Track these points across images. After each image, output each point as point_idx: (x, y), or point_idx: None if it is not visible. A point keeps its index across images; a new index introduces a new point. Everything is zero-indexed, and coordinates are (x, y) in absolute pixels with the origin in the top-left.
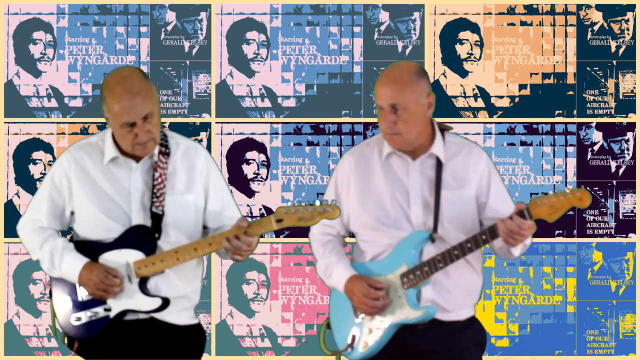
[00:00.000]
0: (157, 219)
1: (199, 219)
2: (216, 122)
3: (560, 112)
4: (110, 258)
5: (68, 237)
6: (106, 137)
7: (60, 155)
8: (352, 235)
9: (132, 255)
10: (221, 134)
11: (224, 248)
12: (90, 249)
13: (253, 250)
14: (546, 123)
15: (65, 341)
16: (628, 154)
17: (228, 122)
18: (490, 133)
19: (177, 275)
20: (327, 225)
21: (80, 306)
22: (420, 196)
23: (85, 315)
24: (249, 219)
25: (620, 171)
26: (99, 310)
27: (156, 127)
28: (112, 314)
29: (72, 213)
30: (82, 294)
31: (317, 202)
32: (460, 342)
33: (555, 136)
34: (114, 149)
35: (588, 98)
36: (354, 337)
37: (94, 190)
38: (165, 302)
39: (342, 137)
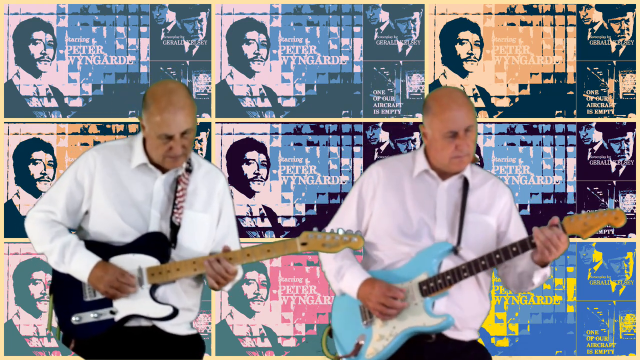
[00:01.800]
0: (174, 230)
1: (209, 239)
2: (216, 122)
3: (560, 112)
4: (121, 261)
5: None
6: (135, 142)
7: (85, 153)
8: None
9: (145, 261)
10: (221, 134)
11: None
12: (101, 249)
13: (231, 282)
14: (546, 123)
15: (61, 337)
16: (628, 154)
17: (228, 122)
18: (490, 133)
19: (182, 288)
20: (338, 229)
21: (83, 306)
22: (445, 215)
23: (87, 316)
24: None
25: (620, 171)
26: (104, 312)
27: (190, 144)
28: (117, 317)
29: (86, 212)
30: (88, 294)
31: (341, 231)
32: None
33: (555, 136)
34: (144, 155)
35: (588, 98)
36: (359, 345)
37: (116, 193)
38: (175, 312)
39: (342, 137)
